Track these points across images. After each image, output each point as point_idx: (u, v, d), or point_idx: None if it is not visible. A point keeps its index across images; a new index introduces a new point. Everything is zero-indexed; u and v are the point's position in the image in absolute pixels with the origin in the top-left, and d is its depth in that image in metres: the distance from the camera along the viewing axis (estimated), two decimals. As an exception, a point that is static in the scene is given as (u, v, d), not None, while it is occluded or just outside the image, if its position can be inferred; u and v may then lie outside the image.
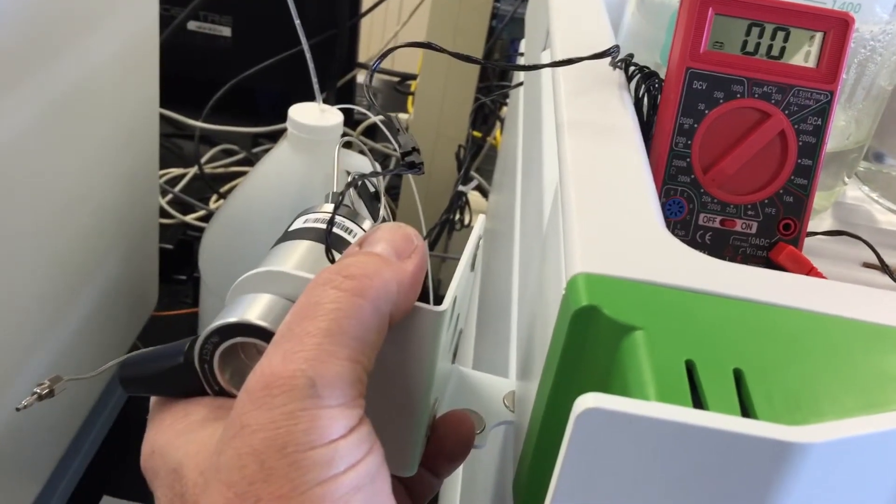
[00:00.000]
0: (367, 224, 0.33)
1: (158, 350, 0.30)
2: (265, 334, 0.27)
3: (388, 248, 0.27)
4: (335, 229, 0.32)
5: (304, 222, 0.32)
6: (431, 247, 0.98)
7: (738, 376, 0.21)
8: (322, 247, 0.30)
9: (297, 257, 0.30)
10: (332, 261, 0.29)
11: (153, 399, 0.30)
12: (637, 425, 0.19)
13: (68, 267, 0.62)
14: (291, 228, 0.32)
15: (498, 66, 1.19)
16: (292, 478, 0.22)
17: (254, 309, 0.28)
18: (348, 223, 0.32)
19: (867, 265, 0.40)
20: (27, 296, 0.57)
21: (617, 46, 0.35)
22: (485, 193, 1.05)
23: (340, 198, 0.30)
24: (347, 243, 0.32)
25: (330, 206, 0.33)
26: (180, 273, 0.94)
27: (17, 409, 0.35)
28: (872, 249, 0.38)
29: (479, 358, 0.62)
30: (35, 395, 0.34)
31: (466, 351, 0.68)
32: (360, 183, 0.30)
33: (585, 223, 0.26)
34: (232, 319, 0.27)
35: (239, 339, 0.27)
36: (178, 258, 0.94)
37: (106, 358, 0.72)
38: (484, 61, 0.34)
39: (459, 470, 0.48)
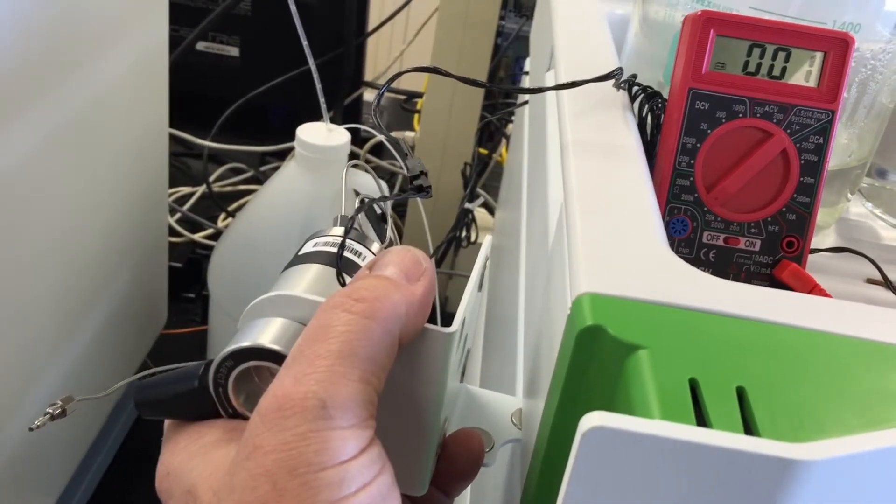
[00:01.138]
0: (376, 247, 0.34)
1: (172, 373, 0.30)
2: (278, 357, 0.27)
3: (397, 271, 0.27)
4: (345, 253, 0.32)
5: (314, 246, 0.33)
6: (438, 264, 0.99)
7: (742, 394, 0.22)
8: (332, 270, 0.30)
9: (308, 281, 0.31)
10: (343, 284, 0.30)
11: (167, 422, 0.30)
12: (641, 443, 0.19)
13: (78, 285, 0.62)
14: (302, 252, 0.33)
15: (503, 89, 1.20)
16: (304, 498, 0.23)
17: (267, 333, 0.28)
18: (357, 246, 0.33)
19: (871, 281, 0.40)
20: (38, 314, 0.57)
21: (620, 69, 0.36)
22: (491, 210, 1.06)
23: (351, 222, 0.31)
24: (357, 266, 0.32)
25: (339, 230, 0.34)
26: (189, 291, 0.95)
27: (31, 429, 0.35)
28: (876, 266, 0.38)
29: (487, 376, 0.62)
30: (48, 416, 0.34)
31: (474, 369, 0.69)
32: (368, 206, 0.30)
33: (590, 243, 0.26)
34: (245, 344, 0.28)
35: (253, 363, 0.28)
36: (187, 276, 0.95)
37: (116, 376, 0.72)
38: (489, 84, 0.35)
39: (468, 488, 0.49)
